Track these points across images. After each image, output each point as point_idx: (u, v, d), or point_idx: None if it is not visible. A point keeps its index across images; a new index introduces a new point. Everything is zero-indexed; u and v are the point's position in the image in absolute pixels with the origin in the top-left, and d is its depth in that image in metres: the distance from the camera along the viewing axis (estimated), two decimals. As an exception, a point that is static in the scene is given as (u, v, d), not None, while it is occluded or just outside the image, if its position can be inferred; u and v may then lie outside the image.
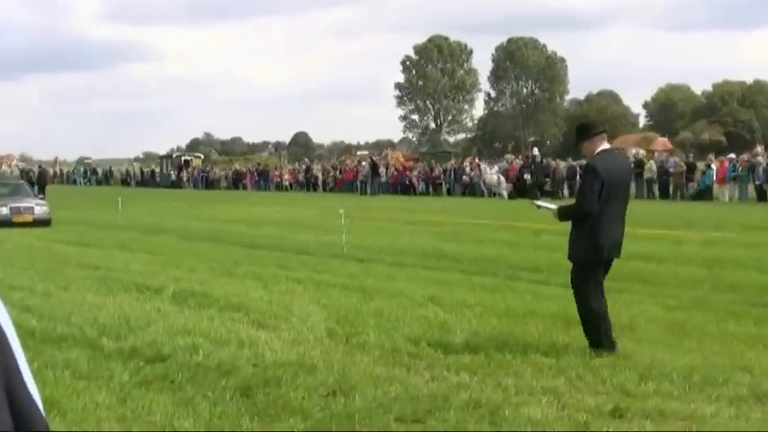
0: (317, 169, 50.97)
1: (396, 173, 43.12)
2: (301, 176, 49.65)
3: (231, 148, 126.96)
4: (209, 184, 55.75)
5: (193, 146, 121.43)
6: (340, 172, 47.06)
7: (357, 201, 33.57)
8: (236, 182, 53.87)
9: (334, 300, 8.99)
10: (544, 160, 37.17)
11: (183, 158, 63.08)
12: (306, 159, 63.55)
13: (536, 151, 38.20)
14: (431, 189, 40.31)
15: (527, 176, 35.01)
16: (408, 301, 8.84)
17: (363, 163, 44.70)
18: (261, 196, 41.70)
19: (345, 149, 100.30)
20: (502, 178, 36.89)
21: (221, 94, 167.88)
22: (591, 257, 6.23)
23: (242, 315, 8.09)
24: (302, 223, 20.75)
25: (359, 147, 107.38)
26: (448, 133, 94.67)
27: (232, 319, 7.86)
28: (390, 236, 16.92)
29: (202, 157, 68.56)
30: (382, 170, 43.16)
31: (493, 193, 36.66)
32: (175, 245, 15.88)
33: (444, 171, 40.46)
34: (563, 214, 6.50)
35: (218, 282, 10.46)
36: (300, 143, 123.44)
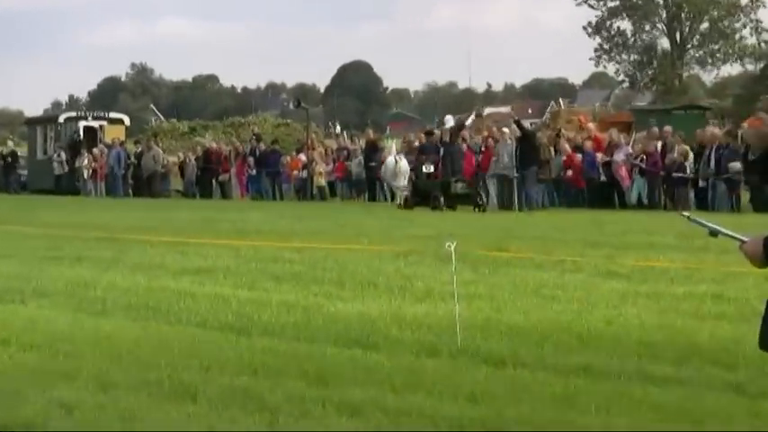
0: (392, 148, 51.37)
1: (576, 155, 43.50)
2: (356, 166, 50.50)
3: (193, 103, 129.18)
4: (145, 182, 56.78)
5: (107, 97, 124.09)
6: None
7: (486, 219, 33.89)
8: (205, 178, 55.04)
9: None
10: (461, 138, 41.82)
11: (81, 125, 64.77)
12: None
13: (450, 121, 43.25)
14: (662, 195, 40.53)
15: (428, 168, 39.71)
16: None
17: (502, 130, 44.72)
18: (264, 210, 42.49)
19: (461, 102, 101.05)
20: (405, 166, 42.05)
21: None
22: None
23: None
24: (358, 275, 20.81)
25: (490, 96, 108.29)
26: (701, 64, 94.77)
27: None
28: (569, 305, 16.82)
29: (127, 122, 70.21)
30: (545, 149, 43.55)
31: (393, 194, 43.15)
32: (64, 326, 15.98)
33: (703, 149, 40.09)
34: None
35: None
36: (354, 88, 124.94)
